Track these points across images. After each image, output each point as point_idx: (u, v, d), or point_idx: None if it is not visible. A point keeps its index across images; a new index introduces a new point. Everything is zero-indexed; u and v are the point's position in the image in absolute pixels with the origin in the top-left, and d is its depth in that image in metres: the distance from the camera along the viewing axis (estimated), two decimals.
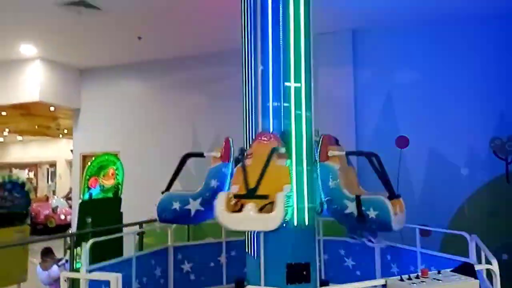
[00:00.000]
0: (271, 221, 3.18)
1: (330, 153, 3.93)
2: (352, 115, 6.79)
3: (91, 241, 4.03)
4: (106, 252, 4.60)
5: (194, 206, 4.10)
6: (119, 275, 2.67)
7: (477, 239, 4.07)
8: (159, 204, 4.30)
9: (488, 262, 3.10)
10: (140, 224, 6.16)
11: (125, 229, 6.17)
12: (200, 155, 4.69)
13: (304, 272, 3.62)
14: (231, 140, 4.40)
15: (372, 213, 3.56)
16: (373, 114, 6.81)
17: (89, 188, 6.09)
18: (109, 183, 6.08)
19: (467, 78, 6.34)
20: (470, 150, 6.28)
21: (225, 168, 4.19)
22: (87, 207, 5.87)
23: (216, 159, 4.36)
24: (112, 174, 6.17)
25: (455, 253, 4.45)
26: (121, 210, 6.25)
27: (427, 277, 2.40)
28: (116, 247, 5.65)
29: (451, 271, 2.58)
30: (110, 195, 6.13)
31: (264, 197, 3.29)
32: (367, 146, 6.81)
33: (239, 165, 3.75)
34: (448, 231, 4.86)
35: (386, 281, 2.42)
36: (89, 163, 6.37)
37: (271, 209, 3.19)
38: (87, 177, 6.18)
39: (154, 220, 7.10)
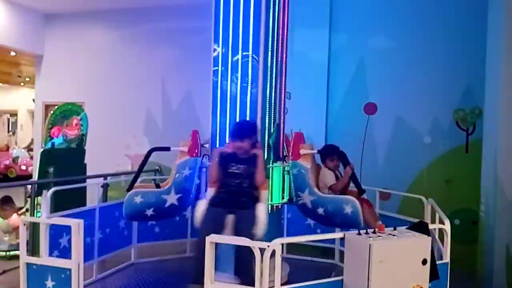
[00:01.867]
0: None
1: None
2: (325, 78, 6.79)
3: (53, 189, 3.96)
4: (68, 203, 4.53)
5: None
6: (81, 221, 2.64)
7: (432, 202, 4.27)
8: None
9: (441, 223, 3.27)
10: (105, 176, 6.07)
11: (88, 181, 6.08)
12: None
13: None
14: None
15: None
16: (345, 78, 6.84)
17: (51, 138, 5.89)
18: (72, 133, 5.89)
19: (436, 49, 6.42)
20: (434, 120, 6.46)
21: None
22: (49, 156, 5.70)
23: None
24: (76, 125, 5.98)
25: (411, 216, 4.69)
26: (85, 162, 6.12)
27: (383, 233, 2.50)
28: (79, 198, 5.56)
29: (406, 228, 2.71)
30: (73, 146, 5.97)
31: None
32: (337, 110, 6.91)
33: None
34: (406, 194, 5.07)
35: (344, 235, 2.51)
36: (51, 112, 6.13)
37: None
38: (50, 126, 5.96)
39: (120, 174, 7.08)
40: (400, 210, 5.80)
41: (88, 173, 6.14)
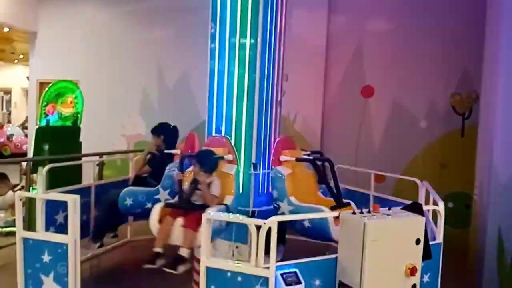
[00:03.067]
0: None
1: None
2: (323, 60, 6.76)
3: (48, 166, 3.95)
4: (64, 181, 4.52)
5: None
6: (77, 197, 2.64)
7: (427, 184, 4.30)
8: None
9: (435, 204, 3.31)
10: (100, 154, 6.06)
11: (84, 159, 6.06)
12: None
13: None
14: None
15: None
16: (343, 61, 6.82)
17: (46, 115, 5.84)
18: (67, 111, 5.85)
19: (434, 33, 6.39)
20: (430, 104, 6.48)
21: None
22: (44, 133, 5.66)
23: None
24: (71, 102, 5.93)
25: (406, 199, 4.73)
26: (80, 140, 6.09)
27: (377, 212, 2.53)
28: (74, 176, 5.55)
29: (400, 209, 2.74)
30: (68, 123, 5.93)
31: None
32: (334, 93, 6.90)
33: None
34: (401, 176, 5.09)
35: (339, 214, 2.53)
36: (46, 89, 6.06)
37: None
38: (44, 103, 5.90)
39: (115, 152, 7.07)
40: (394, 193, 5.83)
41: (84, 151, 6.11)
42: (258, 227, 2.29)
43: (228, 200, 3.49)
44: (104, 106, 7.58)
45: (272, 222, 2.25)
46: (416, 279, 2.52)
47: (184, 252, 3.20)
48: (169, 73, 7.56)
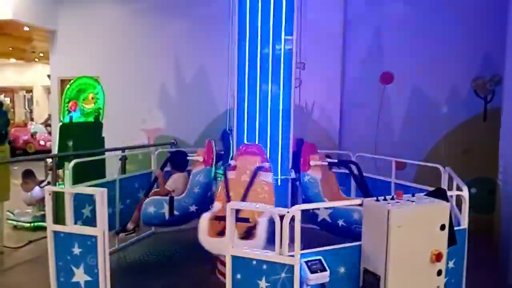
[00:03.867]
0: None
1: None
2: (340, 46, 6.68)
3: (74, 161, 4.05)
4: (88, 175, 4.63)
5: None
6: (105, 190, 2.71)
7: (450, 170, 4.25)
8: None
9: (459, 190, 3.27)
10: (123, 149, 6.17)
11: (107, 154, 6.18)
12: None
13: None
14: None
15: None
16: (361, 47, 6.72)
17: (69, 111, 5.97)
18: (89, 107, 5.96)
19: (454, 17, 6.24)
20: (452, 89, 6.35)
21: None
22: (68, 130, 5.80)
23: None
24: (92, 98, 6.03)
25: (428, 186, 4.69)
26: (103, 135, 6.21)
27: (401, 199, 2.52)
28: (98, 171, 5.67)
29: (424, 195, 2.72)
30: (91, 119, 6.04)
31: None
32: (352, 80, 6.82)
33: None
34: (422, 163, 5.03)
35: (362, 201, 2.54)
36: (67, 86, 6.18)
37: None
38: (67, 100, 6.03)
39: (137, 147, 7.18)
40: (416, 179, 5.77)
41: (106, 146, 6.23)
42: (281, 217, 2.31)
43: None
44: (124, 101, 7.69)
45: (295, 211, 2.27)
46: (441, 265, 2.51)
47: (129, 225, 4.68)
48: (186, 67, 7.60)
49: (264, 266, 2.33)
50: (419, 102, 6.50)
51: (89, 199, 4.18)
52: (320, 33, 6.54)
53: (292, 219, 2.27)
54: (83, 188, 3.18)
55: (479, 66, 6.19)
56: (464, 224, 2.97)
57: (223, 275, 4.26)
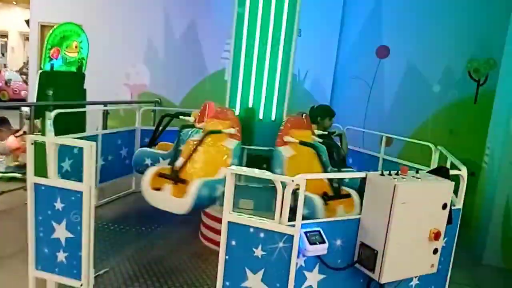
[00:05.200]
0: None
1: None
2: (339, 17, 6.48)
3: (56, 111, 3.80)
4: (67, 128, 4.38)
5: (220, 190, 3.71)
6: (93, 144, 2.51)
7: (443, 149, 4.23)
8: (134, 158, 4.45)
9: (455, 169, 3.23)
10: (105, 103, 5.90)
11: (88, 107, 5.90)
12: (176, 116, 4.72)
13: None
14: (212, 105, 4.15)
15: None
16: (359, 19, 6.55)
17: (50, 59, 5.61)
18: (72, 56, 5.61)
19: None
20: (446, 68, 6.29)
21: (240, 149, 3.85)
22: (48, 78, 5.46)
23: (224, 135, 3.85)
24: (76, 47, 5.68)
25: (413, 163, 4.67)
26: (85, 87, 5.90)
27: (406, 175, 2.44)
28: (78, 124, 5.43)
29: (427, 172, 2.65)
30: (73, 69, 5.71)
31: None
32: (348, 51, 6.67)
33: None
34: (414, 140, 5.00)
35: (366, 174, 2.44)
36: (50, 31, 5.78)
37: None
38: (49, 46, 5.65)
39: (120, 102, 6.91)
40: (400, 156, 5.78)
41: (88, 99, 5.94)
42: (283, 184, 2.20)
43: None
44: (107, 53, 7.31)
45: (300, 179, 2.16)
46: (439, 243, 2.47)
47: None
48: (176, 22, 7.25)
49: (262, 234, 2.23)
50: (413, 78, 6.43)
51: (69, 152, 3.97)
52: (319, 3, 6.32)
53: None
54: (71, 140, 2.96)
55: (475, 48, 6.13)
56: (460, 204, 2.94)
57: (207, 239, 4.22)
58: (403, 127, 6.31)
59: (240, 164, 3.64)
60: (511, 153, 4.58)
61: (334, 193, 3.38)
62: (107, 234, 4.21)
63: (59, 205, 2.67)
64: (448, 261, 2.99)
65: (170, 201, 3.32)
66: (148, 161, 4.28)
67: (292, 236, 2.17)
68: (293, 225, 2.18)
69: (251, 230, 2.25)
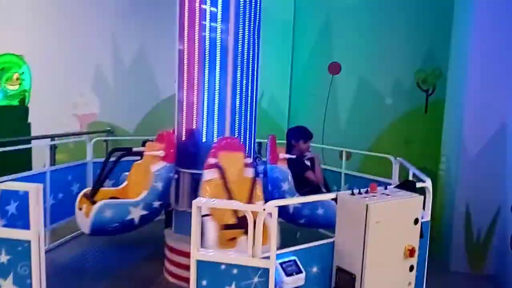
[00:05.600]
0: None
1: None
2: (290, 36, 6.55)
3: None
4: (11, 167, 4.04)
5: (137, 213, 3.60)
6: (40, 186, 2.26)
7: (403, 161, 4.28)
8: (93, 217, 3.49)
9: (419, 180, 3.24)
10: (52, 137, 5.53)
11: (34, 142, 5.51)
12: (128, 150, 4.05)
13: None
14: (174, 135, 3.88)
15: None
16: (310, 37, 6.64)
17: None
18: (13, 88, 5.24)
19: (401, 10, 6.34)
20: (396, 81, 6.46)
21: (170, 171, 3.69)
22: None
23: (158, 158, 3.70)
24: (17, 79, 5.32)
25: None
26: (29, 121, 5.51)
27: (376, 192, 2.39)
28: (23, 161, 5.04)
29: (394, 187, 2.62)
30: (15, 102, 5.33)
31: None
32: (301, 70, 6.73)
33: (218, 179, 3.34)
34: (374, 154, 5.05)
35: (336, 195, 2.37)
36: None
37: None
38: None
39: (68, 134, 6.51)
40: (360, 169, 5.83)
41: (33, 134, 5.55)
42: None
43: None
44: (53, 83, 6.90)
45: (271, 207, 2.04)
46: (414, 260, 2.43)
47: None
48: (125, 48, 7.00)
49: (235, 271, 2.07)
50: (366, 93, 6.54)
51: (15, 195, 3.65)
52: (270, 22, 6.33)
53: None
54: (13, 184, 2.69)
55: (422, 60, 6.35)
56: (428, 217, 2.93)
57: (172, 274, 3.98)
58: (361, 140, 6.39)
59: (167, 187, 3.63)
60: (466, 160, 4.71)
61: (238, 222, 3.16)
62: (62, 283, 3.83)
63: (3, 258, 2.37)
64: (422, 275, 2.96)
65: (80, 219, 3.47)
66: (115, 216, 3.56)
67: (268, 269, 2.04)
68: (268, 257, 2.05)
69: (223, 267, 2.09)
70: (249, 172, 3.42)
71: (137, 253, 4.60)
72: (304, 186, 4.13)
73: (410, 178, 3.76)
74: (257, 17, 3.94)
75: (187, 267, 3.66)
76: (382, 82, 6.49)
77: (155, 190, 3.61)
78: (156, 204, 3.66)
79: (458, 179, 4.76)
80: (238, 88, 3.80)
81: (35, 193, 2.20)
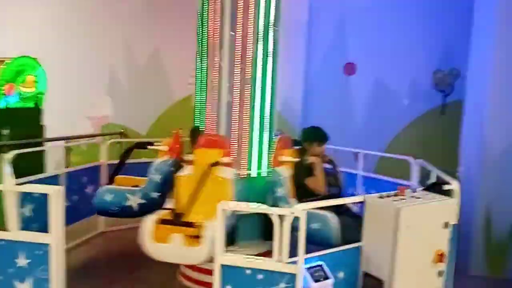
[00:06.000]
0: (197, 255, 2.82)
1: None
2: (304, 37, 6.46)
3: (13, 152, 3.44)
4: (24, 169, 4.01)
5: (135, 201, 3.69)
6: (61, 188, 2.21)
7: (424, 163, 4.17)
8: (96, 199, 3.87)
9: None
10: (66, 139, 5.51)
11: (48, 144, 5.50)
12: (143, 147, 4.18)
13: None
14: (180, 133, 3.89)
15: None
16: (325, 38, 6.55)
17: (4, 96, 5.20)
18: (28, 91, 5.23)
19: (416, 9, 6.25)
20: (412, 81, 6.37)
21: (171, 165, 3.70)
22: (3, 116, 5.04)
23: (163, 152, 3.81)
24: (32, 82, 5.30)
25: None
26: (43, 123, 5.49)
27: (404, 195, 2.31)
28: (37, 163, 5.03)
29: (423, 190, 2.54)
30: (30, 105, 5.32)
31: (190, 225, 2.91)
32: (316, 71, 6.65)
33: (179, 173, 3.34)
34: (392, 155, 4.94)
35: (364, 198, 2.29)
36: (3, 66, 5.38)
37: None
38: (2, 82, 5.25)
39: (83, 136, 6.50)
40: (375, 171, 5.73)
41: (47, 136, 5.54)
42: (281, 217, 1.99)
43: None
44: (67, 85, 6.88)
45: (299, 211, 1.96)
46: (443, 265, 2.34)
47: None
48: (139, 50, 6.97)
49: (260, 276, 2.00)
50: (381, 94, 6.45)
51: (30, 197, 3.61)
52: (284, 22, 6.27)
53: None
54: (33, 186, 2.65)
55: (439, 59, 6.25)
56: (455, 219, 2.83)
57: (187, 278, 3.91)
58: (377, 141, 6.30)
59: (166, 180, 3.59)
60: (487, 162, 4.59)
61: (174, 218, 3.08)
62: (77, 284, 3.79)
63: (23, 262, 2.32)
64: (451, 280, 2.86)
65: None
66: (112, 199, 3.78)
67: (295, 275, 1.96)
68: (295, 262, 1.98)
69: (248, 272, 2.02)
70: (223, 171, 3.21)
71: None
72: (307, 194, 3.63)
73: (432, 180, 3.68)
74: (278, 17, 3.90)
75: (201, 270, 3.64)
76: (398, 82, 6.40)
77: (153, 181, 3.67)
78: (155, 195, 3.67)
79: (478, 181, 4.64)
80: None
81: (56, 195, 2.15)
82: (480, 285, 4.37)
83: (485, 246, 4.59)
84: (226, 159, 3.26)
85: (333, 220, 2.83)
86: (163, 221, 3.00)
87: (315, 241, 2.93)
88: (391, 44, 6.29)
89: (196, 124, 4.05)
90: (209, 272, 3.59)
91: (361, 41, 6.41)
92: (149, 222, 2.99)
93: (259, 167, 3.72)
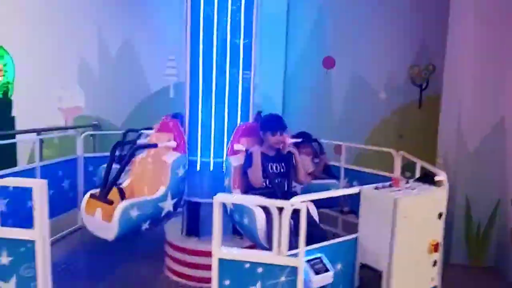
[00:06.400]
0: (108, 231, 3.03)
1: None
2: (283, 30, 6.43)
3: None
4: None
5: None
6: (44, 181, 2.09)
7: (407, 155, 4.24)
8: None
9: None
10: (38, 131, 5.26)
11: (18, 137, 5.25)
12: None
13: None
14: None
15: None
16: (304, 31, 6.55)
17: None
18: None
19: (392, 4, 6.32)
20: (389, 76, 6.44)
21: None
22: None
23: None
24: (0, 71, 5.03)
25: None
26: (13, 114, 5.23)
27: (399, 187, 2.31)
28: (7, 157, 4.79)
29: (414, 181, 2.56)
30: None
31: (110, 202, 3.17)
32: (295, 65, 6.64)
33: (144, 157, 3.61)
34: (375, 148, 4.99)
35: (360, 190, 2.28)
36: None
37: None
38: None
39: (54, 129, 6.24)
40: (354, 163, 5.78)
41: (17, 128, 5.28)
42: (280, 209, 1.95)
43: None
44: (36, 75, 6.59)
45: (300, 203, 1.93)
46: (438, 255, 2.36)
47: None
48: (111, 40, 6.74)
49: (260, 269, 1.96)
50: (359, 87, 6.51)
51: (4, 191, 3.44)
52: (263, 16, 6.20)
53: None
54: (15, 180, 2.48)
55: (416, 54, 6.35)
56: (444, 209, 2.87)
57: (173, 272, 3.82)
58: (355, 134, 6.36)
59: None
60: (465, 154, 4.70)
61: (100, 195, 3.27)
62: (57, 282, 3.62)
63: (5, 260, 2.18)
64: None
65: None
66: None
67: (296, 268, 1.92)
68: (296, 255, 1.94)
69: (247, 265, 1.97)
70: (167, 156, 3.36)
71: (136, 250, 4.42)
72: (248, 186, 3.31)
73: (417, 172, 3.74)
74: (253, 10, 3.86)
75: (188, 264, 3.57)
76: (376, 76, 6.47)
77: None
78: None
79: (457, 172, 4.76)
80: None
81: (40, 189, 2.03)
82: (461, 273, 4.48)
83: (465, 235, 4.71)
84: (171, 143, 3.41)
85: (259, 216, 2.59)
86: (91, 196, 3.30)
87: (249, 237, 2.97)
88: (369, 38, 6.36)
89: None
90: (197, 267, 3.54)
91: (339, 34, 6.45)
92: (86, 196, 3.31)
93: (209, 154, 3.69)
